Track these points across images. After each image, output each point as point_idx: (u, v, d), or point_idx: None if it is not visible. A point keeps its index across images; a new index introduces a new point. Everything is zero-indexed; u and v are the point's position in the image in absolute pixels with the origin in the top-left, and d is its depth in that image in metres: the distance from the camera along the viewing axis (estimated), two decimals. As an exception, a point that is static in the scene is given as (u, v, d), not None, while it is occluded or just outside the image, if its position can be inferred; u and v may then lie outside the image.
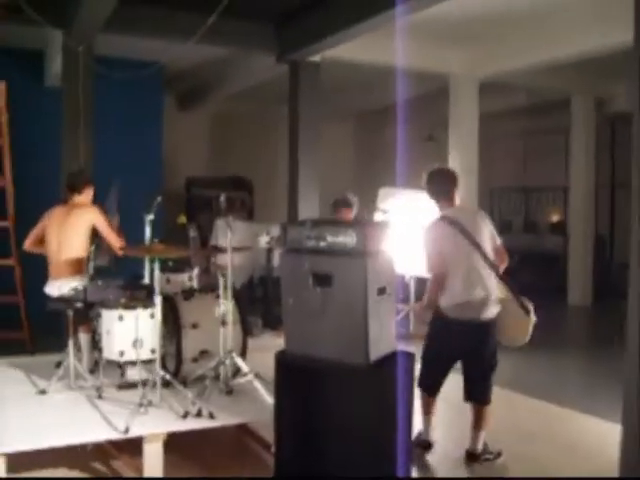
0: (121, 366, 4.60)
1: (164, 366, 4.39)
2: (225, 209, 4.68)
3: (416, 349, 3.85)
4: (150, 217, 4.93)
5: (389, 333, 3.36)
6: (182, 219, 6.63)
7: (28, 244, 5.20)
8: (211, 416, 4.04)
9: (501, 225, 13.13)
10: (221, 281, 4.72)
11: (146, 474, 3.71)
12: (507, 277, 4.15)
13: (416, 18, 6.28)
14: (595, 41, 7.31)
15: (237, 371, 4.63)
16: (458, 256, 4.02)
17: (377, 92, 10.58)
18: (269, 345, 4.67)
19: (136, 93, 8.46)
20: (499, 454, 4.19)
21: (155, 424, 3.90)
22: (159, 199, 4.93)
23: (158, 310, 4.33)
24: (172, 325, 4.74)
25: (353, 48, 7.41)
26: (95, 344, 4.82)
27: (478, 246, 4.03)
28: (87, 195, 5.19)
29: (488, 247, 4.10)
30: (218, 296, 4.75)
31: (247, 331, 5.05)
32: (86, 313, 4.76)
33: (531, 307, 4.09)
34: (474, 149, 9.33)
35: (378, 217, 7.19)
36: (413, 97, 9.09)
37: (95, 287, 4.71)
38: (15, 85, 7.00)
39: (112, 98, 8.00)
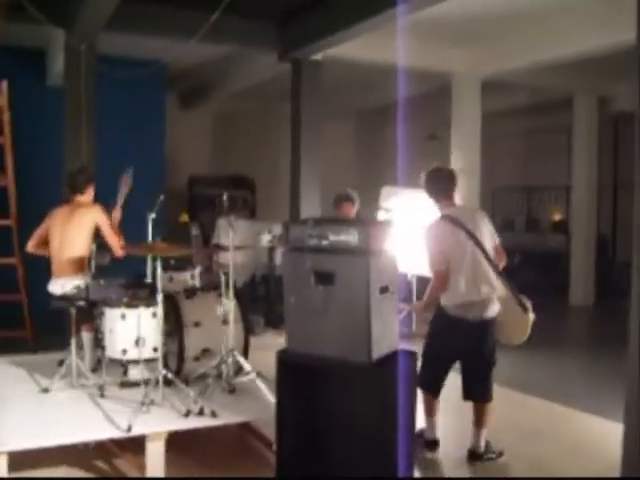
0: (123, 364, 4.62)
1: (166, 364, 4.40)
2: (227, 208, 4.69)
3: (418, 348, 3.85)
4: (152, 215, 4.95)
5: (391, 332, 3.35)
6: (184, 217, 6.64)
7: (31, 245, 5.18)
8: (213, 415, 4.05)
9: (503, 224, 13.09)
10: (223, 280, 4.73)
11: (148, 472, 3.71)
12: (505, 275, 4.15)
13: (417, 17, 6.28)
14: (597, 40, 7.29)
15: (239, 370, 4.63)
16: (461, 254, 4.02)
17: (378, 91, 10.55)
18: (271, 344, 4.67)
19: (138, 92, 8.44)
20: (501, 453, 4.19)
21: (157, 423, 3.90)
22: (161, 197, 4.95)
23: (160, 309, 4.33)
24: (174, 323, 4.75)
25: (355, 47, 7.40)
26: (98, 342, 4.84)
27: (480, 244, 4.03)
28: (89, 194, 5.19)
29: (488, 245, 4.11)
30: (220, 295, 4.76)
31: (249, 330, 5.06)
32: (89, 311, 4.76)
33: (529, 305, 4.09)
34: (476, 148, 9.31)
35: (381, 216, 7.20)
36: (415, 96, 9.06)
37: (97, 286, 4.71)
38: (17, 84, 6.97)
39: (114, 97, 7.98)
